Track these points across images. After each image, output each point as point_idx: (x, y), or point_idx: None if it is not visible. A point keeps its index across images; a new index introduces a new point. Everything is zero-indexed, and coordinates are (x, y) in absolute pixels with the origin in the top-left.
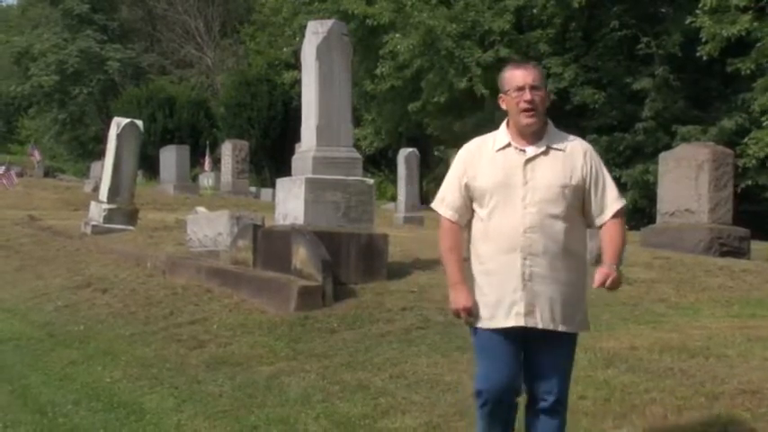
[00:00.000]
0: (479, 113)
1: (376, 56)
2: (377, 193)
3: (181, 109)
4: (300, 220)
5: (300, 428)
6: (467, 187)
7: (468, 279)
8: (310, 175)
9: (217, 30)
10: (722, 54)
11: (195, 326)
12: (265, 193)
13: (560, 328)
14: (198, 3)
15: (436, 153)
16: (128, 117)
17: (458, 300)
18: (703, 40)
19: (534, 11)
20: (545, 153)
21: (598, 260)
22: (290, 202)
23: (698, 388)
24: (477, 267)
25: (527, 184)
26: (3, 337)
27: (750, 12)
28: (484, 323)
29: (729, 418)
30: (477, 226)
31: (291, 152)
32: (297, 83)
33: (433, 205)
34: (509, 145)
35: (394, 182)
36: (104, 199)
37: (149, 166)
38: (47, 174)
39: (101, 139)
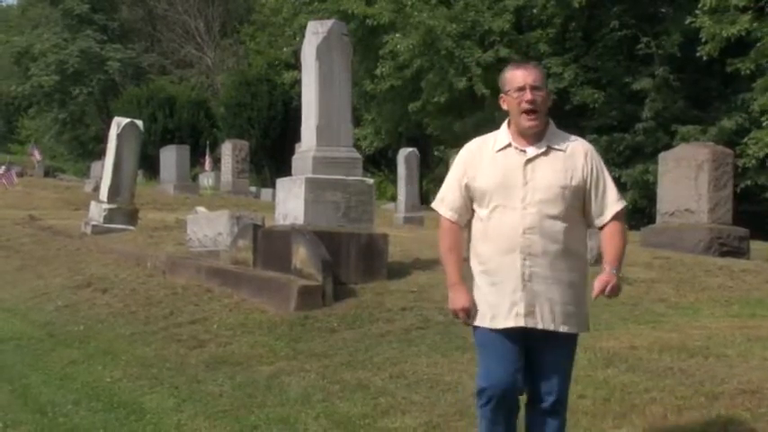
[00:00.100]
0: (479, 113)
1: (376, 56)
2: (377, 193)
3: (181, 109)
4: (300, 220)
5: (300, 428)
6: (467, 187)
7: (467, 279)
8: (310, 175)
9: (217, 30)
10: (722, 54)
11: (195, 326)
12: (265, 192)
13: (561, 329)
14: (198, 3)
15: (436, 153)
16: (128, 117)
17: (456, 300)
18: (703, 40)
19: (534, 11)
20: (545, 153)
21: (598, 260)
22: (290, 202)
23: (698, 388)
24: (476, 267)
25: (527, 184)
26: (3, 337)
27: (750, 12)
28: (485, 323)
29: (729, 417)
30: (476, 226)
31: (291, 152)
32: (297, 83)
33: (433, 205)
34: (509, 145)
35: (394, 182)
36: (105, 199)
37: (149, 165)
38: (47, 173)
39: (101, 139)
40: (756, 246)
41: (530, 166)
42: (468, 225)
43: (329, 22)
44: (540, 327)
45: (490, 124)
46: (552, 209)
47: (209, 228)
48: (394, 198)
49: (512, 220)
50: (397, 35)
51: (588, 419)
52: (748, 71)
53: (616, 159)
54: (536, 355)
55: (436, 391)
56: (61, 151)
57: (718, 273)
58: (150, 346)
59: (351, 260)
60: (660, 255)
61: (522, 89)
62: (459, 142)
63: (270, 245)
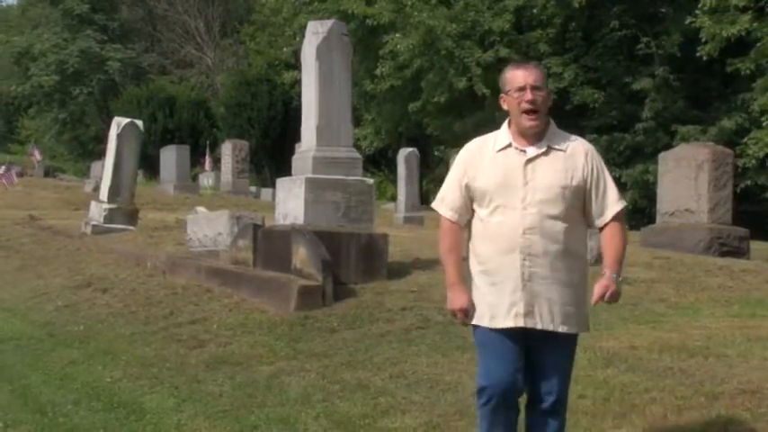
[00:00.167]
0: (479, 113)
1: (376, 56)
2: (377, 193)
3: (181, 109)
4: (300, 220)
5: (300, 428)
6: (467, 188)
7: (466, 279)
8: (310, 175)
9: (217, 30)
10: (722, 54)
11: (195, 325)
12: (265, 192)
13: (560, 329)
14: (198, 3)
15: (436, 153)
16: (128, 117)
17: (454, 300)
18: (703, 40)
19: (534, 11)
20: (546, 153)
21: (598, 260)
22: (290, 202)
23: (697, 388)
24: (476, 267)
25: (527, 184)
26: (3, 337)
27: (750, 12)
28: (484, 322)
29: (729, 417)
30: (476, 226)
31: (291, 152)
32: (297, 83)
33: (434, 205)
34: (510, 145)
35: (394, 182)
36: (105, 199)
37: (149, 165)
38: (47, 173)
39: (101, 139)
40: (756, 246)
41: (530, 166)
42: (469, 225)
43: (329, 22)
44: (538, 327)
45: (490, 124)
46: (552, 209)
47: (209, 228)
48: (394, 198)
49: (512, 220)
50: (397, 35)
51: (588, 419)
52: (748, 71)
53: (616, 159)
54: (536, 356)
55: (436, 390)
56: (61, 151)
57: (718, 273)
58: (150, 346)
59: (351, 260)
60: (660, 255)
61: (522, 89)
62: (459, 142)
63: (270, 245)
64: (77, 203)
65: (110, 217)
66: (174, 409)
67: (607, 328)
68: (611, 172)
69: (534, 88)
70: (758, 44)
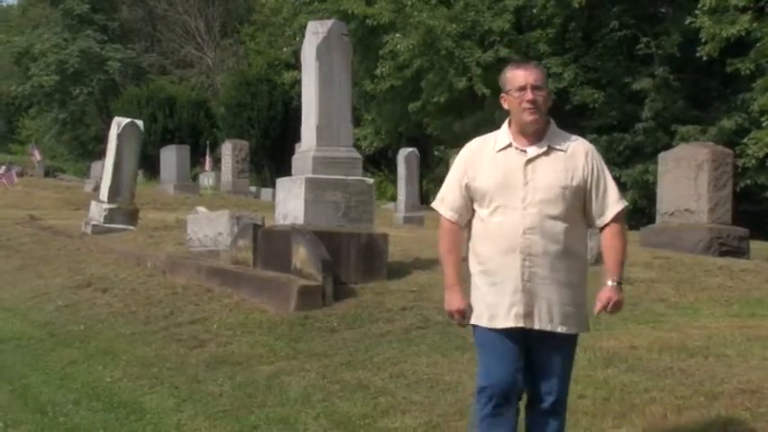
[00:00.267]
0: (479, 113)
1: (376, 56)
2: (377, 193)
3: (181, 109)
4: (300, 220)
5: (300, 428)
6: (467, 188)
7: (465, 280)
8: (310, 175)
9: (217, 30)
10: (722, 54)
11: (195, 325)
12: (265, 192)
13: (559, 330)
14: (198, 3)
15: (436, 153)
16: (128, 117)
17: (452, 302)
18: (703, 40)
19: (534, 11)
20: (546, 153)
21: (598, 260)
22: (290, 202)
23: (697, 387)
24: (475, 267)
25: (528, 184)
26: (3, 337)
27: (749, 12)
28: (484, 323)
29: (729, 417)
30: (477, 226)
31: (291, 152)
32: (297, 83)
33: (434, 205)
34: (510, 145)
35: (394, 182)
36: (105, 199)
37: (150, 165)
38: (47, 173)
39: (101, 139)
40: (756, 246)
41: (530, 166)
42: (469, 225)
43: (329, 22)
44: (537, 327)
45: (490, 124)
46: (553, 209)
47: (209, 228)
48: (394, 198)
49: (512, 220)
50: (397, 35)
51: (588, 419)
52: (748, 71)
53: (616, 159)
54: (535, 356)
55: (436, 390)
56: (61, 151)
57: (717, 273)
58: (150, 346)
59: (351, 260)
60: (660, 255)
61: (523, 89)
62: (459, 142)
63: (270, 245)
64: (77, 203)
65: (110, 217)
66: (174, 409)
67: (607, 328)
68: (611, 172)
69: (535, 88)
70: (758, 44)
